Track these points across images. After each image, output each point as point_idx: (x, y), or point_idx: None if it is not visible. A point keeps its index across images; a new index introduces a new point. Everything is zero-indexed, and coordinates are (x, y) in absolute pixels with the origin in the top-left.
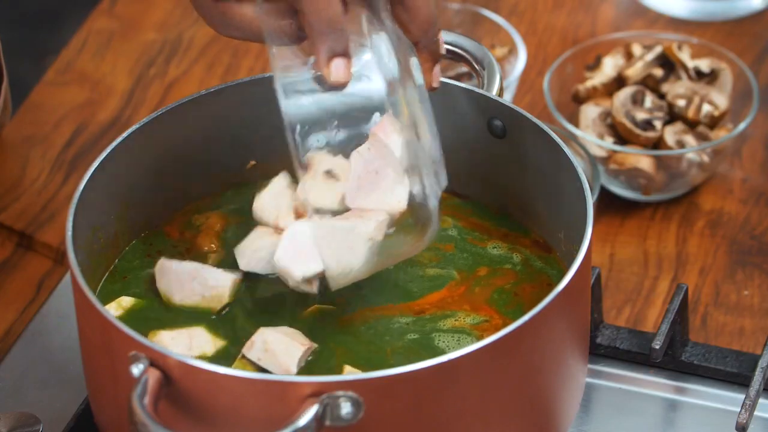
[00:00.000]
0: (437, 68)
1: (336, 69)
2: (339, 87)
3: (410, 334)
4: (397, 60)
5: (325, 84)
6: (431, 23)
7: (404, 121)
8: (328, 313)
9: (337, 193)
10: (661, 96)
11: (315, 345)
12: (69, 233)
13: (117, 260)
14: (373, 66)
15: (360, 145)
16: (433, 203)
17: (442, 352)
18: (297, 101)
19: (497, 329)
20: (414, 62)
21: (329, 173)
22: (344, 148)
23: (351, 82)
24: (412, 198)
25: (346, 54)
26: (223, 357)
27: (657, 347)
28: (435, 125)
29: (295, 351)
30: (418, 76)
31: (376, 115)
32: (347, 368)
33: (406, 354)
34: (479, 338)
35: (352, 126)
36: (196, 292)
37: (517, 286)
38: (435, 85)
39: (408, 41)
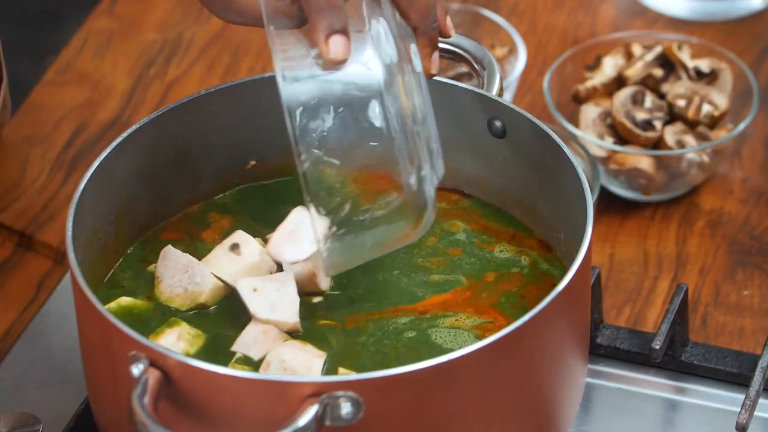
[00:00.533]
0: (436, 55)
1: (335, 46)
2: (337, 65)
3: (408, 332)
4: (396, 46)
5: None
6: (429, 8)
7: (403, 107)
8: (328, 318)
9: (236, 269)
10: (661, 96)
11: (326, 354)
12: (69, 233)
13: (117, 261)
14: (371, 52)
15: (359, 139)
16: (429, 192)
17: (439, 347)
18: (297, 87)
19: (501, 329)
20: (413, 49)
21: (235, 247)
22: (342, 140)
23: (350, 67)
24: (408, 187)
25: (344, 31)
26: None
27: (657, 347)
28: (432, 113)
29: (315, 363)
30: (417, 63)
31: (374, 103)
32: (341, 370)
33: (405, 352)
34: (478, 336)
35: (351, 116)
36: (182, 284)
37: (523, 289)
38: (434, 71)
39: (407, 28)
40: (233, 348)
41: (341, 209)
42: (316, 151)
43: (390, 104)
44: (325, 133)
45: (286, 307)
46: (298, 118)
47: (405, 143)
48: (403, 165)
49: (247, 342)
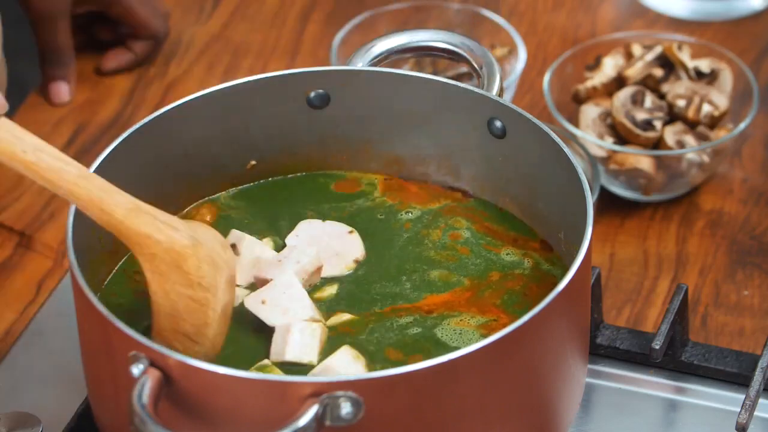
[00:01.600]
0: None
1: None
2: None
3: (413, 328)
4: None
5: None
6: None
7: None
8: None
9: (237, 268)
10: (661, 96)
11: (322, 321)
12: (69, 233)
13: (117, 261)
14: None
15: None
16: None
17: (444, 345)
18: None
19: (505, 327)
20: None
21: (232, 247)
22: None
23: None
24: None
25: None
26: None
27: (657, 347)
28: None
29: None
30: None
31: None
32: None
33: (410, 348)
34: (484, 335)
35: None
36: None
37: (526, 287)
38: None
39: None
40: (286, 358)
41: None
42: None
43: None
44: None
45: (298, 305)
46: None
47: None
48: None
49: (295, 349)
